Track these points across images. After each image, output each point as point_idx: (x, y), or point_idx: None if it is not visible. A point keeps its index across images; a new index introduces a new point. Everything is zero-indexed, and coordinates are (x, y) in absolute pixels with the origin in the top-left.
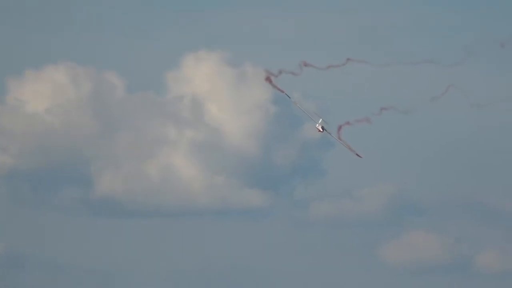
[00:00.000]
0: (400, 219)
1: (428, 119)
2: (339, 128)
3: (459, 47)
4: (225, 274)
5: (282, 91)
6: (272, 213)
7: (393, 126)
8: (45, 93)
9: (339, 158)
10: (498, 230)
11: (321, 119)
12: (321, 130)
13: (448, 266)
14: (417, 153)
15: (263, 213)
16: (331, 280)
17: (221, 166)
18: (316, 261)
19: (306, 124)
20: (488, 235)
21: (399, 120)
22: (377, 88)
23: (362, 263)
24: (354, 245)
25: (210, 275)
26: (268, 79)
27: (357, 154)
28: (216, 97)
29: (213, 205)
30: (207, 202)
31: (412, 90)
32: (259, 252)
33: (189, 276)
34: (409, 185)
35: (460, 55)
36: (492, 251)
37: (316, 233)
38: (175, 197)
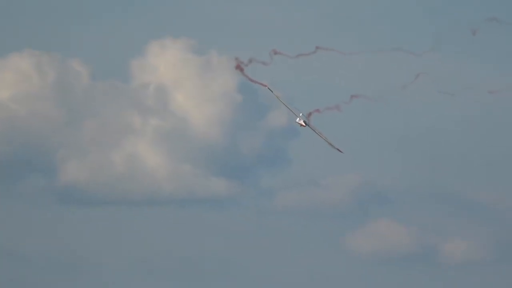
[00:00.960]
0: (366, 208)
1: (397, 108)
2: (309, 115)
3: (430, 35)
4: (190, 263)
5: (264, 85)
6: (238, 202)
7: (361, 115)
8: (9, 81)
9: (305, 147)
10: (464, 219)
11: (301, 113)
12: (304, 124)
13: (413, 255)
14: (384, 141)
15: (229, 202)
16: (297, 269)
17: (186, 154)
18: (282, 250)
19: (272, 113)
20: (454, 224)
21: (367, 108)
22: (346, 77)
23: (328, 252)
24: (320, 234)
25: (175, 264)
26: (238, 68)
27: (338, 150)
28: (182, 85)
29: (179, 193)
30: (173, 190)
31: (381, 79)
32: (224, 241)
33: (155, 264)
34: (376, 174)
35: (430, 43)
36: (458, 240)
37: (282, 222)
38: (140, 186)
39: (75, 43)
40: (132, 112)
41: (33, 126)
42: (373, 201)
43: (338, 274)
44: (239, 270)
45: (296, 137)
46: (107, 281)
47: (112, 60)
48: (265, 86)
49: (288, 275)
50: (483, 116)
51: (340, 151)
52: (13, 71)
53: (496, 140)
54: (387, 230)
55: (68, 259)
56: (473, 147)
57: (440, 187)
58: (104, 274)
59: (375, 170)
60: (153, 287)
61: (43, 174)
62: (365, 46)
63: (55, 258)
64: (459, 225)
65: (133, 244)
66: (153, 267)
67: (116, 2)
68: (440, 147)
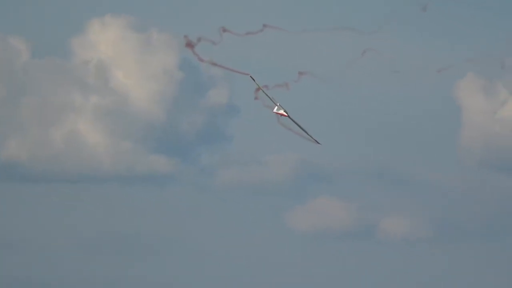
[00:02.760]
0: (306, 185)
1: (341, 86)
2: (257, 90)
3: (379, 12)
4: (130, 241)
5: (247, 74)
6: (179, 179)
7: (306, 93)
8: None
9: (246, 125)
10: (403, 197)
11: (278, 103)
12: (285, 114)
13: (353, 232)
14: (326, 119)
15: (169, 179)
16: (237, 246)
17: (127, 132)
18: (222, 227)
19: (213, 90)
20: (394, 202)
21: (312, 86)
22: (294, 55)
23: (268, 229)
24: (261, 211)
25: (115, 242)
26: (189, 46)
27: (315, 141)
28: (122, 62)
29: (119, 171)
30: (113, 168)
31: (328, 57)
32: (164, 218)
33: (95, 243)
34: (316, 151)
35: (380, 20)
36: (397, 217)
37: (222, 199)
38: (80, 163)
39: (14, 20)
40: (72, 89)
41: None
42: (313, 178)
43: (279, 251)
44: (180, 248)
45: (237, 115)
46: (48, 258)
47: (52, 37)
48: (247, 74)
49: (228, 252)
50: (427, 94)
51: (318, 142)
52: None
53: (438, 119)
54: (327, 207)
55: (8, 237)
56: (414, 126)
57: (380, 165)
58: (45, 251)
59: (315, 147)
60: (92, 264)
61: None
62: (313, 24)
63: None
64: (399, 203)
65: (74, 221)
66: (93, 244)
67: None
68: (381, 125)
